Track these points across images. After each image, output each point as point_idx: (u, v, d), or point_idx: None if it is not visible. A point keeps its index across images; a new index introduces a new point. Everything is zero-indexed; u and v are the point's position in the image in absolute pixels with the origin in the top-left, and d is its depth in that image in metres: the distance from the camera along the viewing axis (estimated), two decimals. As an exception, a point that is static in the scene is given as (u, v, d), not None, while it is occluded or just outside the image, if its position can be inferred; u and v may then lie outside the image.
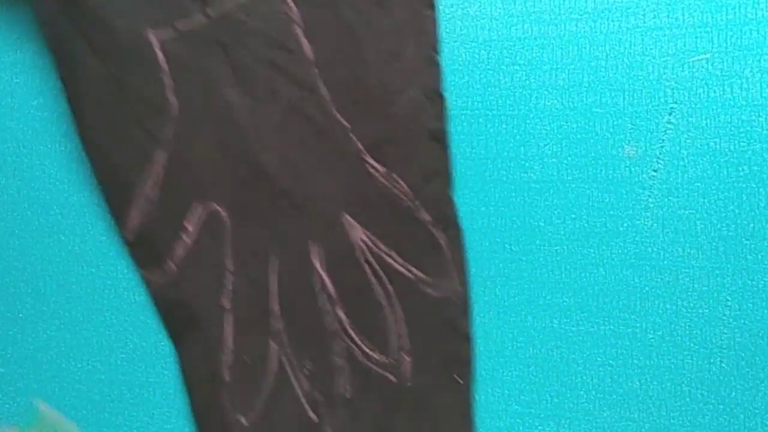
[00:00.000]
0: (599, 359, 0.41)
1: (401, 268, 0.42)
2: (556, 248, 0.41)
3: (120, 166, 0.44)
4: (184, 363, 0.44)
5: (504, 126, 0.42)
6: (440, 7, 0.43)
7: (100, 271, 0.47)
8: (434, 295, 0.42)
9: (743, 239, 0.39)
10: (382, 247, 0.42)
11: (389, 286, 0.42)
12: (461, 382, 0.41)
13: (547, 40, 0.41)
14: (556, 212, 0.41)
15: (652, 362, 0.40)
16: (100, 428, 0.47)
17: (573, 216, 0.41)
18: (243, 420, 0.42)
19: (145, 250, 0.44)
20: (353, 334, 0.42)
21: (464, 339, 0.42)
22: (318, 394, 0.42)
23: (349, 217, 0.42)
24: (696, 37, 0.39)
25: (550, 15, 0.41)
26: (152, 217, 0.44)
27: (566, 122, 0.41)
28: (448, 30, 0.43)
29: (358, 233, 0.42)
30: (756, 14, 0.39)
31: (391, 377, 0.42)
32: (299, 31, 0.43)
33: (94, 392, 0.47)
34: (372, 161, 0.43)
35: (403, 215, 0.42)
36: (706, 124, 0.39)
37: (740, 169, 0.39)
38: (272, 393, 0.42)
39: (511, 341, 0.42)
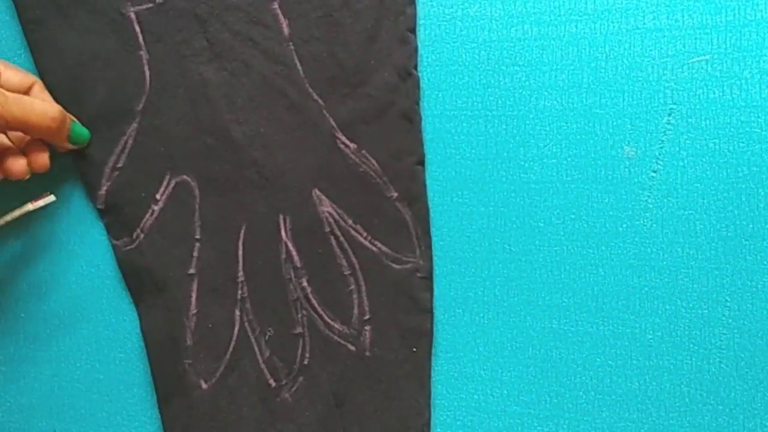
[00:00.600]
0: (598, 359, 0.41)
1: (366, 242, 0.43)
2: (555, 248, 0.42)
3: (94, 139, 0.45)
4: (146, 326, 0.45)
5: (504, 126, 0.43)
6: (441, 8, 0.44)
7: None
8: (397, 269, 0.43)
9: (742, 240, 0.40)
10: (349, 221, 0.43)
11: (354, 259, 0.43)
12: (418, 352, 0.42)
13: (547, 41, 0.42)
14: (555, 212, 0.42)
15: (650, 362, 0.41)
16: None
17: (572, 216, 0.42)
18: (202, 383, 0.43)
19: (114, 218, 0.45)
20: (315, 304, 0.43)
21: (424, 312, 0.43)
22: (277, 360, 0.43)
23: (318, 191, 0.43)
24: (695, 39, 0.40)
25: (550, 16, 0.42)
26: (122, 186, 0.44)
27: (566, 122, 0.42)
28: (448, 31, 0.44)
29: (326, 207, 0.43)
30: (755, 16, 0.40)
31: (351, 347, 0.43)
32: (276, 8, 0.44)
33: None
34: (343, 138, 0.44)
35: (372, 191, 0.43)
36: (706, 125, 0.40)
37: (739, 169, 0.40)
38: (233, 358, 0.43)
39: (510, 341, 0.42)
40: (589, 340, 0.41)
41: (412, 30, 0.44)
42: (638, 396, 0.41)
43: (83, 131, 0.44)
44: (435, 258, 0.43)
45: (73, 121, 0.43)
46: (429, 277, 0.43)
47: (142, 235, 0.44)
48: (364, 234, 0.43)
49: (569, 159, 0.42)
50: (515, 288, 0.42)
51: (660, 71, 0.41)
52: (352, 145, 0.44)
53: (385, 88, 0.44)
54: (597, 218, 0.41)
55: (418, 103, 0.44)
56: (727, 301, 0.40)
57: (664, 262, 0.41)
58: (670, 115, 0.41)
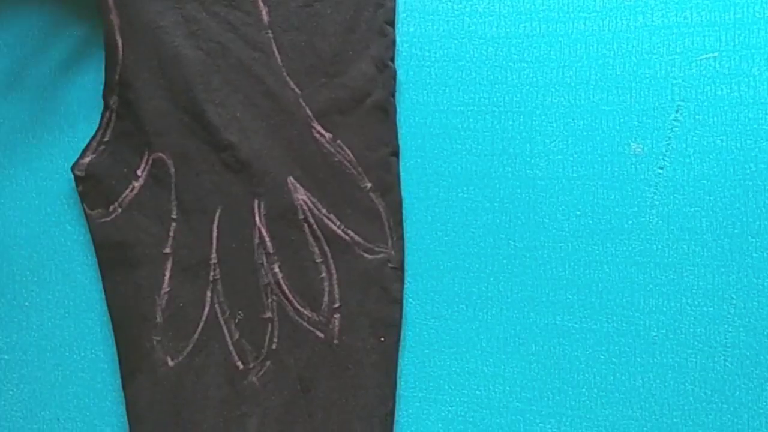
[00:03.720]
0: (602, 357, 0.41)
1: (339, 231, 0.43)
2: (561, 245, 0.42)
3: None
4: (112, 301, 0.45)
5: (511, 122, 0.43)
6: (448, 4, 0.44)
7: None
8: (369, 259, 0.43)
9: (749, 237, 0.40)
10: (323, 209, 0.44)
11: (326, 247, 0.43)
12: (386, 341, 0.43)
13: (554, 38, 0.43)
14: (561, 209, 0.42)
15: (655, 360, 0.41)
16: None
17: (578, 212, 0.42)
18: (169, 360, 0.43)
19: (92, 188, 0.45)
20: (286, 290, 0.43)
21: (394, 303, 0.43)
22: (246, 343, 0.43)
23: (293, 179, 0.44)
24: (703, 36, 0.41)
25: (558, 13, 0.43)
26: (105, 160, 0.44)
27: (573, 119, 0.42)
28: (456, 27, 0.44)
29: (301, 195, 0.44)
30: (763, 13, 0.40)
31: (319, 334, 0.43)
32: None
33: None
34: (319, 127, 0.44)
35: (346, 181, 0.44)
36: (713, 122, 0.40)
37: (746, 166, 0.40)
38: (201, 338, 0.43)
39: (514, 338, 0.42)
40: (593, 337, 0.41)
41: (391, 22, 0.44)
42: (642, 393, 0.41)
43: None
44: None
45: None
46: (400, 268, 0.43)
47: (119, 210, 0.44)
48: (338, 223, 0.43)
49: (575, 155, 0.42)
50: (519, 284, 0.42)
51: (668, 68, 0.41)
52: (328, 135, 0.44)
53: (361, 79, 0.44)
54: (603, 214, 0.41)
55: (393, 95, 0.44)
56: (732, 298, 0.40)
57: (670, 259, 0.41)
58: (677, 111, 0.41)
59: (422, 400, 0.43)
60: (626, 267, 0.41)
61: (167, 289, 0.43)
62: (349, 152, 0.44)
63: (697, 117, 0.40)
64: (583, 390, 0.41)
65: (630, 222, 0.41)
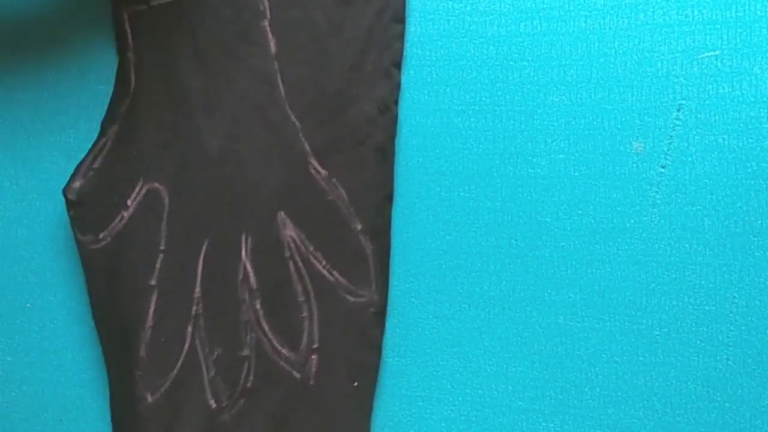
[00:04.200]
0: (604, 356, 0.41)
1: (324, 271, 0.43)
2: (563, 244, 0.42)
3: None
4: (104, 331, 0.44)
5: (512, 121, 0.43)
6: (450, 4, 0.44)
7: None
8: (351, 301, 0.43)
9: (750, 236, 0.40)
10: (310, 247, 0.43)
11: (310, 286, 0.43)
12: (361, 387, 0.43)
13: (555, 36, 0.42)
14: (563, 208, 0.42)
15: (657, 359, 0.41)
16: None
17: (580, 212, 0.42)
18: (149, 396, 0.42)
19: (83, 214, 0.44)
20: (266, 327, 0.43)
21: (373, 348, 0.43)
22: (221, 381, 0.43)
23: (283, 214, 0.43)
24: (705, 35, 0.41)
25: (558, 12, 0.42)
26: (95, 187, 0.44)
27: (574, 118, 0.42)
28: (457, 26, 0.44)
29: (290, 231, 0.43)
30: (765, 12, 0.40)
31: (296, 374, 0.43)
32: (266, 25, 0.44)
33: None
34: (316, 164, 0.43)
35: (336, 221, 0.43)
36: (714, 121, 0.40)
37: (748, 165, 0.40)
38: (180, 375, 0.42)
39: (516, 337, 0.42)
40: (595, 336, 0.41)
41: (398, 65, 0.44)
42: (644, 392, 0.41)
43: None
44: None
45: None
46: (382, 314, 0.43)
47: (109, 239, 0.43)
48: (324, 262, 0.43)
49: (577, 154, 0.42)
50: (520, 283, 0.42)
51: (669, 67, 0.41)
52: (324, 172, 0.43)
53: (363, 120, 0.43)
54: (604, 213, 0.41)
55: (393, 139, 0.44)
56: (734, 297, 0.40)
57: (672, 258, 0.41)
58: (678, 110, 0.41)
59: (425, 399, 0.43)
60: (628, 266, 0.41)
61: (151, 323, 0.43)
62: (343, 192, 0.43)
63: (698, 116, 0.41)
64: (586, 389, 0.41)
65: (632, 221, 0.41)
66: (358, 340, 0.43)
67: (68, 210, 0.44)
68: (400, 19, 0.44)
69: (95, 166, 0.44)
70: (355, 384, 0.42)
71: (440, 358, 0.43)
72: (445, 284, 0.43)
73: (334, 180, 0.43)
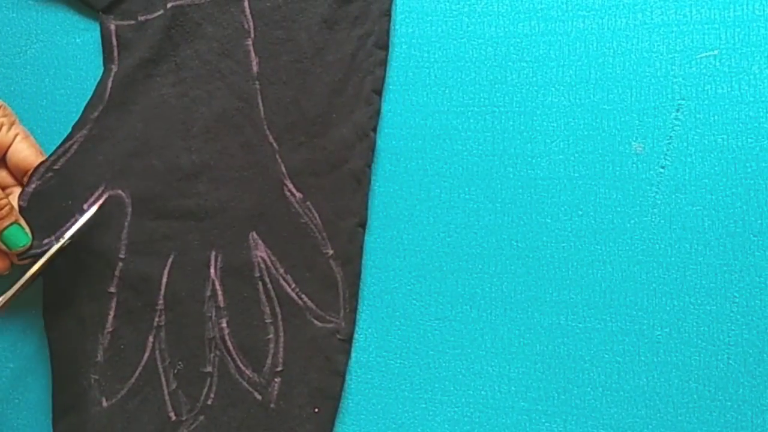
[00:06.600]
0: (606, 356, 0.41)
1: (293, 294, 0.43)
2: (563, 244, 0.42)
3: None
4: (57, 335, 0.44)
5: (512, 122, 0.42)
6: (448, 3, 0.44)
7: None
8: (318, 326, 0.43)
9: (750, 235, 0.39)
10: (281, 269, 0.43)
11: (277, 308, 0.43)
12: (322, 413, 0.42)
13: (554, 36, 0.42)
14: (562, 208, 0.42)
15: (659, 359, 0.40)
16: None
17: (580, 212, 0.41)
18: (104, 400, 0.43)
19: (37, 218, 0.43)
20: (231, 346, 0.43)
21: (336, 375, 0.43)
22: (182, 394, 0.43)
23: (255, 234, 0.43)
24: (703, 34, 0.40)
25: (557, 12, 0.42)
26: (51, 190, 0.43)
27: (574, 118, 0.42)
28: (456, 26, 0.43)
29: (261, 252, 0.43)
30: (764, 11, 0.40)
31: (257, 395, 0.43)
32: (250, 44, 0.44)
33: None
34: (291, 186, 0.43)
35: (308, 244, 0.43)
36: (714, 121, 0.40)
37: (747, 165, 0.39)
38: (137, 383, 0.43)
39: (519, 338, 0.42)
40: (596, 336, 0.41)
41: (378, 92, 0.44)
42: (646, 392, 0.40)
43: (20, 235, 0.42)
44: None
45: (17, 223, 0.42)
46: (348, 341, 0.43)
47: (65, 243, 0.43)
48: (293, 285, 0.43)
49: (576, 154, 0.42)
50: (521, 283, 0.42)
51: (668, 67, 0.41)
52: (298, 195, 0.43)
53: (341, 144, 0.43)
54: (604, 214, 0.41)
55: (369, 166, 0.44)
56: (735, 297, 0.40)
57: (672, 258, 0.40)
58: (678, 110, 0.40)
59: (427, 401, 0.43)
60: (628, 266, 0.41)
61: (110, 329, 0.43)
62: (317, 215, 0.43)
63: (698, 116, 0.40)
64: (588, 389, 0.41)
65: (632, 221, 0.41)
66: (322, 365, 0.43)
67: (23, 214, 0.44)
68: (384, 45, 0.44)
69: (56, 167, 0.44)
70: (316, 410, 0.42)
71: (442, 359, 0.43)
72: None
73: (308, 203, 0.43)
